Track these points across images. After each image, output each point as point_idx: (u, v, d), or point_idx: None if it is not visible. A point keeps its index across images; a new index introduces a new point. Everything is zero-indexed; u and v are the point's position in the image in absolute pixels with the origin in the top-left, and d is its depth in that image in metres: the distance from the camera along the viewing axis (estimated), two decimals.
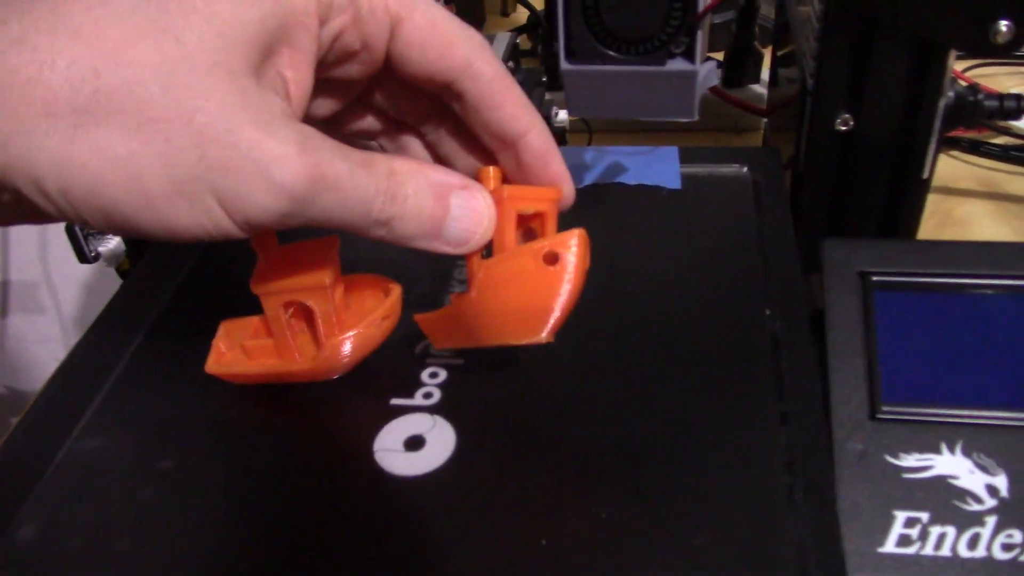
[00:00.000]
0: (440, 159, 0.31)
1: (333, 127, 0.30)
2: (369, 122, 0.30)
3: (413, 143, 0.31)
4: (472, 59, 0.26)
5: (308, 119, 0.26)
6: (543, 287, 0.28)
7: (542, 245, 0.28)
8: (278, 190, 0.22)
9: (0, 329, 1.03)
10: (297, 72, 0.24)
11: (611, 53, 0.31)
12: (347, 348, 0.31)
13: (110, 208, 0.22)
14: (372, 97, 0.29)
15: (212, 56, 0.21)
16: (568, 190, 0.29)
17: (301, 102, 0.24)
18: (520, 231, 0.29)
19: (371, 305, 0.33)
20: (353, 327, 0.32)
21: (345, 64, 0.26)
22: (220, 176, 0.21)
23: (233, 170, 0.21)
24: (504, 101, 0.27)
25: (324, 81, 0.26)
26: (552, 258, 0.28)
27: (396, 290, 0.32)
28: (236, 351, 0.33)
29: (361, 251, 0.32)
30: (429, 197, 0.26)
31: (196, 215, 0.22)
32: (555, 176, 0.29)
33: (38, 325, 1.03)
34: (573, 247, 0.28)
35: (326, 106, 0.28)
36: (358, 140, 0.31)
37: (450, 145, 0.30)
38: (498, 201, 0.28)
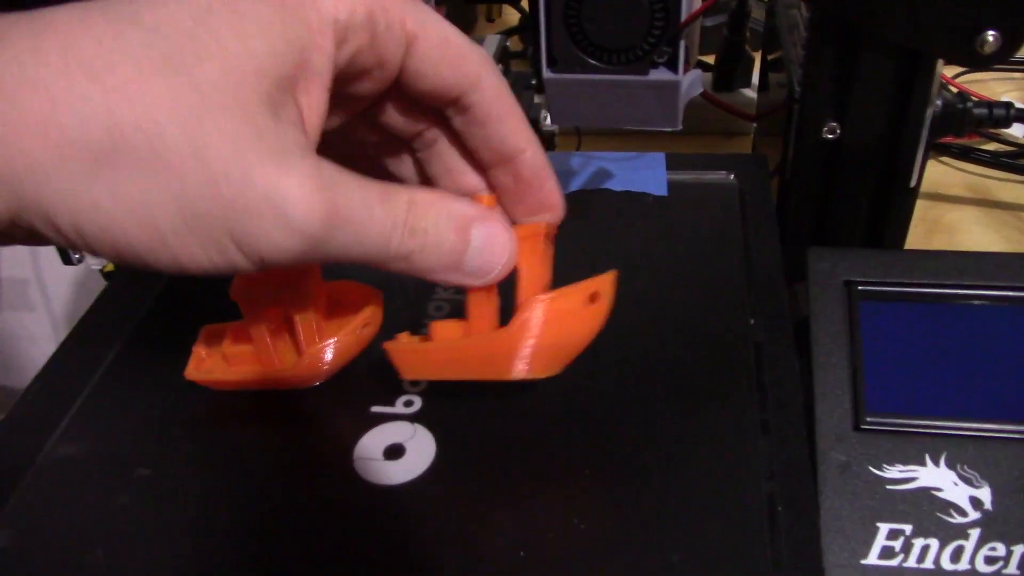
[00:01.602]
0: (428, 178, 0.31)
1: (332, 140, 0.29)
2: (366, 136, 0.30)
3: (405, 160, 0.31)
4: (482, 74, 0.26)
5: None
6: (582, 325, 0.28)
7: (588, 285, 0.28)
8: (294, 230, 0.22)
9: None
10: (311, 97, 0.24)
11: (593, 62, 0.31)
12: (328, 355, 0.31)
13: (123, 246, 0.22)
14: (374, 112, 0.29)
15: (225, 94, 0.21)
16: (562, 208, 0.30)
17: (316, 127, 0.24)
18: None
19: (353, 313, 0.32)
20: (333, 335, 0.31)
21: (358, 81, 0.26)
22: (235, 216, 0.21)
23: (248, 210, 0.21)
24: (509, 115, 0.27)
25: (334, 96, 0.26)
26: (595, 297, 0.29)
27: (377, 298, 0.32)
28: (216, 357, 0.33)
29: None
30: (450, 229, 0.25)
31: (209, 253, 0.22)
32: (551, 193, 0.29)
33: (28, 323, 1.03)
34: (611, 288, 0.29)
35: (331, 121, 0.28)
36: (354, 153, 0.31)
37: (441, 165, 0.30)
38: (533, 236, 0.28)
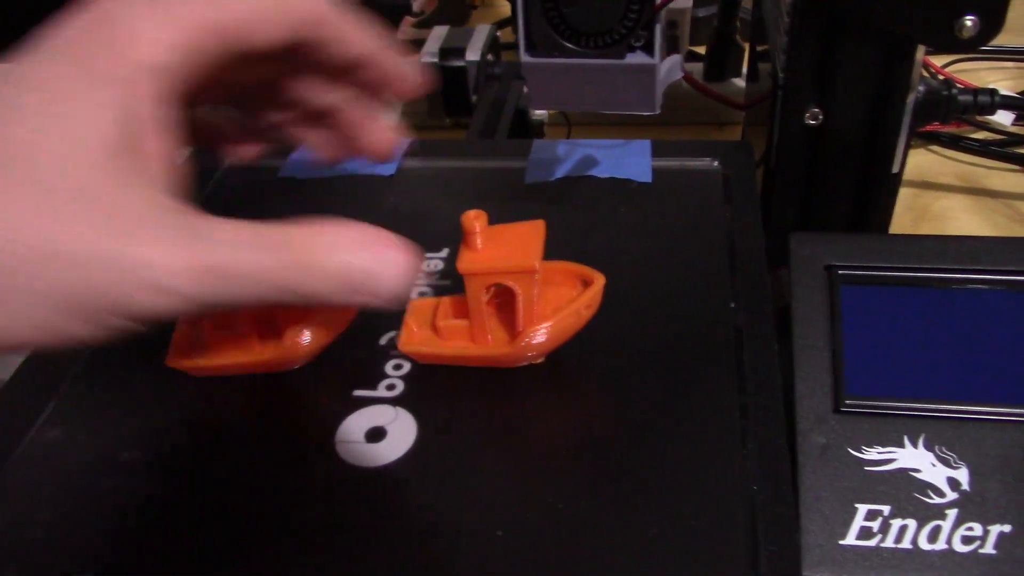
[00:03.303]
0: (351, 129, 0.32)
1: (254, 114, 0.31)
2: (277, 115, 0.31)
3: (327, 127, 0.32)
4: (320, 9, 0.27)
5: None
6: (576, 326, 0.32)
7: (584, 299, 0.31)
8: (168, 293, 0.23)
9: None
10: (153, 144, 0.24)
11: (570, 46, 0.31)
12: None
13: (24, 344, 0.23)
14: (282, 87, 0.30)
15: (68, 186, 0.22)
16: (419, 77, 0.30)
17: (167, 170, 0.24)
18: None
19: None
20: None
21: (243, 68, 0.26)
22: (110, 295, 0.22)
23: (119, 286, 0.22)
24: (356, 25, 0.28)
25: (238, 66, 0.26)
26: (589, 306, 0.32)
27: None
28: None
29: None
30: (337, 256, 0.26)
31: (100, 328, 0.23)
32: (405, 69, 0.30)
33: None
34: (600, 296, 0.32)
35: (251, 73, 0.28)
36: (275, 132, 0.32)
37: (352, 117, 0.31)
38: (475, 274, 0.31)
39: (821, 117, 0.39)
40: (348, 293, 0.26)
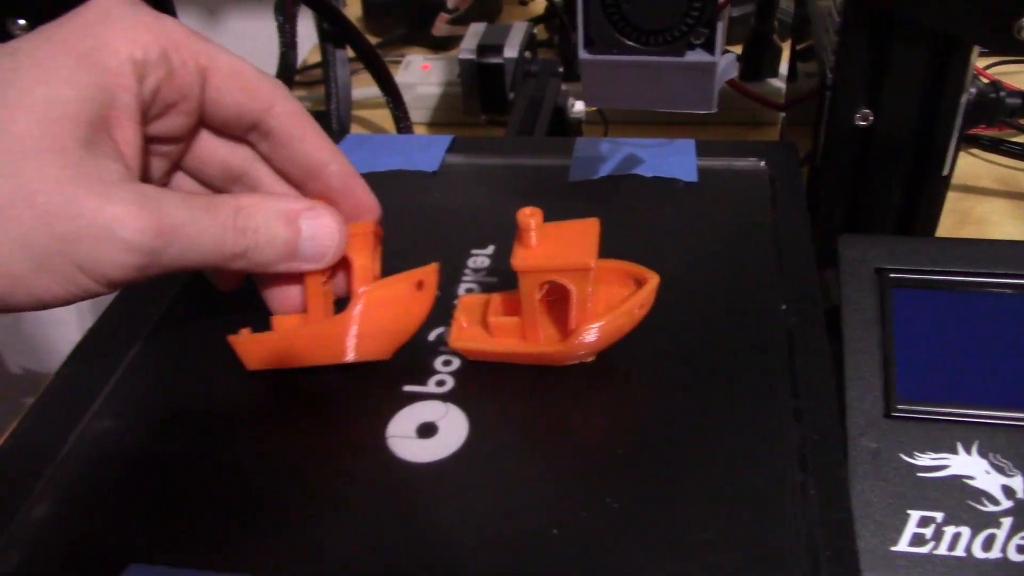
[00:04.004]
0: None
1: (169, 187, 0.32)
2: (192, 187, 0.32)
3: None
4: (274, 99, 0.30)
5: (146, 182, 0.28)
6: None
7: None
8: (127, 247, 0.24)
9: None
10: (125, 131, 0.26)
11: (630, 43, 0.31)
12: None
13: None
14: (192, 160, 0.31)
15: (42, 141, 0.24)
16: (377, 209, 0.33)
17: (135, 158, 0.27)
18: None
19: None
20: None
21: (166, 117, 0.28)
22: (73, 247, 0.24)
23: (83, 238, 0.24)
24: (306, 134, 0.30)
25: (152, 139, 0.29)
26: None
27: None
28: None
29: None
30: (279, 224, 0.29)
31: (63, 284, 0.24)
32: (363, 197, 0.32)
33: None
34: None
35: (156, 168, 0.30)
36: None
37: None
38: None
39: (871, 118, 0.39)
40: (290, 257, 0.29)
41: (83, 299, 0.26)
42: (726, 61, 0.31)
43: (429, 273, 0.33)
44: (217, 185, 0.32)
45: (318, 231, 0.30)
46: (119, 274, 0.25)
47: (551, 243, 0.30)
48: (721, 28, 0.30)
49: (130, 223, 0.24)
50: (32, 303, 0.25)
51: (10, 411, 0.94)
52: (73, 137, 0.24)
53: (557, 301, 0.32)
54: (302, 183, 0.32)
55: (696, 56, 0.31)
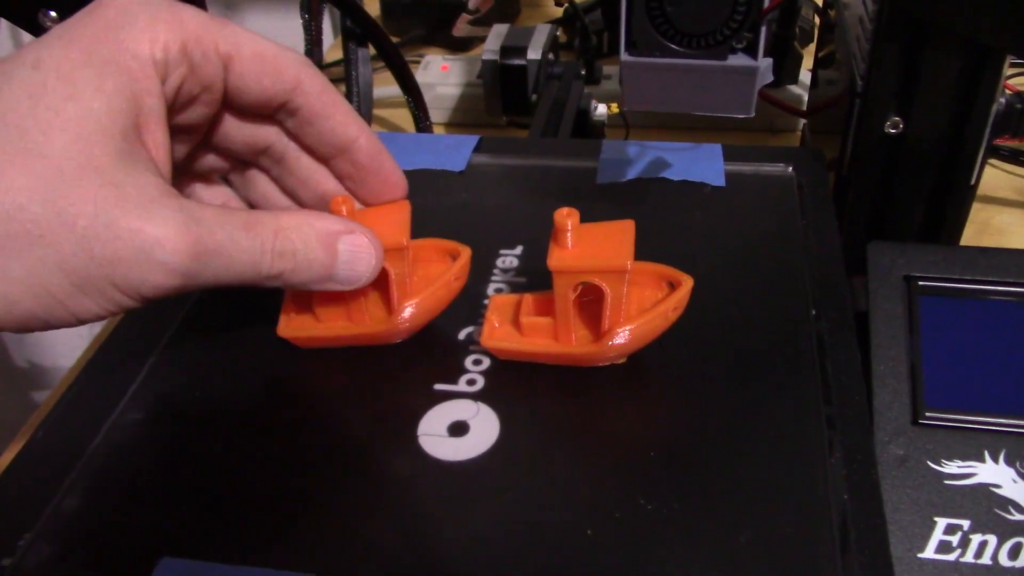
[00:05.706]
0: (288, 191, 0.33)
1: (184, 170, 0.32)
2: (215, 161, 0.33)
3: (259, 178, 0.34)
4: (301, 76, 0.29)
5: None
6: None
7: (675, 301, 0.31)
8: (165, 269, 0.24)
9: None
10: (155, 136, 0.26)
11: (672, 46, 0.31)
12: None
13: (27, 318, 0.24)
14: (215, 136, 0.31)
15: (78, 160, 0.24)
16: (404, 186, 0.33)
17: (166, 162, 0.26)
18: None
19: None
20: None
21: (189, 108, 0.28)
22: (112, 268, 0.24)
23: (122, 260, 0.24)
24: (334, 110, 0.30)
25: (176, 128, 0.28)
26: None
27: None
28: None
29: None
30: (318, 248, 0.28)
31: (100, 302, 0.25)
32: (391, 173, 0.32)
33: None
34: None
35: (177, 151, 0.30)
36: (211, 179, 0.34)
37: (294, 177, 0.33)
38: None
39: (901, 126, 0.39)
40: (325, 280, 0.29)
41: (118, 314, 0.26)
42: (765, 65, 0.31)
43: (463, 265, 0.34)
44: (242, 158, 0.32)
45: (355, 255, 0.29)
46: (155, 293, 0.25)
47: (587, 244, 0.30)
48: (764, 33, 0.30)
49: (169, 245, 0.24)
50: (70, 321, 0.25)
51: (18, 407, 0.94)
52: (108, 154, 0.24)
53: (589, 302, 0.32)
54: (330, 158, 0.32)
55: (738, 60, 0.31)
